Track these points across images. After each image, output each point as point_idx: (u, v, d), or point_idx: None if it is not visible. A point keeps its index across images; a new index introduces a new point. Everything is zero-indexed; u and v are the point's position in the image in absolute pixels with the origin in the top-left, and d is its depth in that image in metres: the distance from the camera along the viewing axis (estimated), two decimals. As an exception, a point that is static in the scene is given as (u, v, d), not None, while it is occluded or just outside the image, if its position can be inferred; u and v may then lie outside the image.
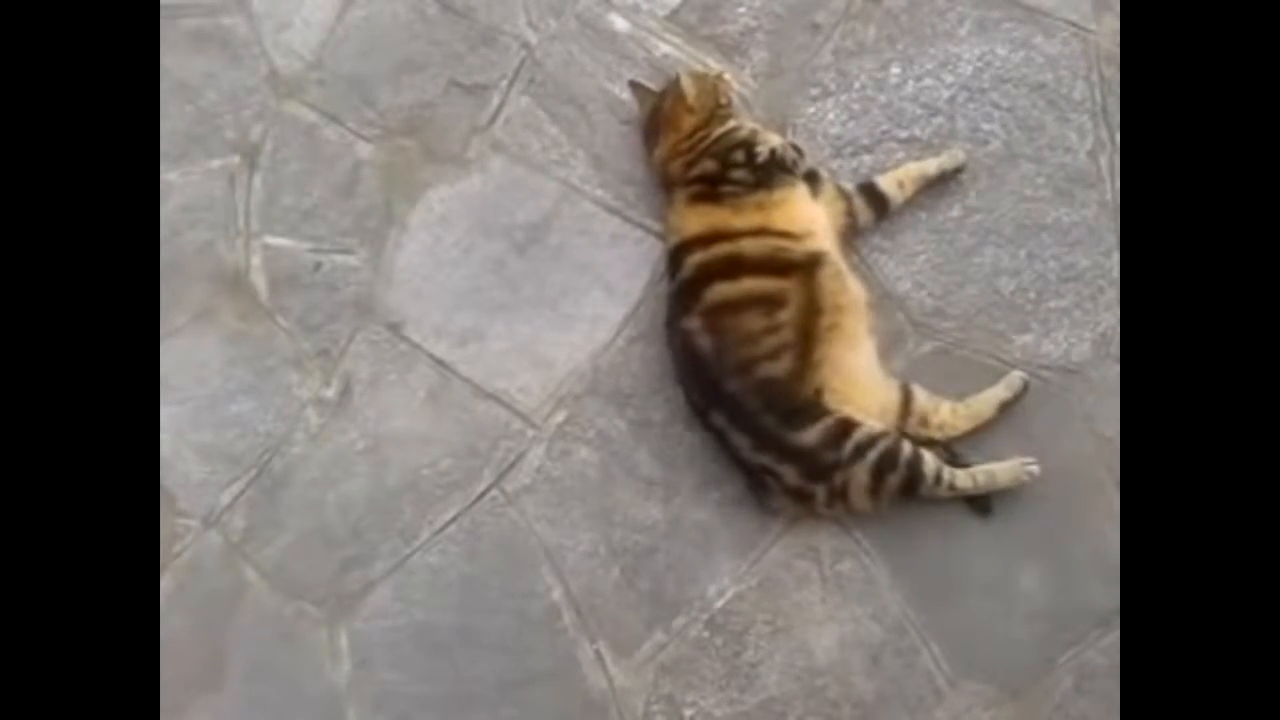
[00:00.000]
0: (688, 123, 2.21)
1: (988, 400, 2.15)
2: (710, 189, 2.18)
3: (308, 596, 2.24)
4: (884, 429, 2.10)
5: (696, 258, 2.16)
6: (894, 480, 2.08)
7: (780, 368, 2.10)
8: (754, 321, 2.12)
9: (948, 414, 2.14)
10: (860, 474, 2.07)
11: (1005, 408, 2.15)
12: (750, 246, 2.14)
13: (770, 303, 2.11)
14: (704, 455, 2.20)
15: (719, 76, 2.24)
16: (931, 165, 2.23)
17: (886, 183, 2.22)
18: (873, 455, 2.06)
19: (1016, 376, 2.16)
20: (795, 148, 2.20)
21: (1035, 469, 2.10)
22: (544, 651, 2.19)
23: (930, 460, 2.09)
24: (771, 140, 2.19)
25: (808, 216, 2.17)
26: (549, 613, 2.20)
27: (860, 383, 2.12)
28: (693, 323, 2.14)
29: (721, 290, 2.13)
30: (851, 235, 2.22)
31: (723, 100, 2.22)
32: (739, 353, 2.12)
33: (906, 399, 2.13)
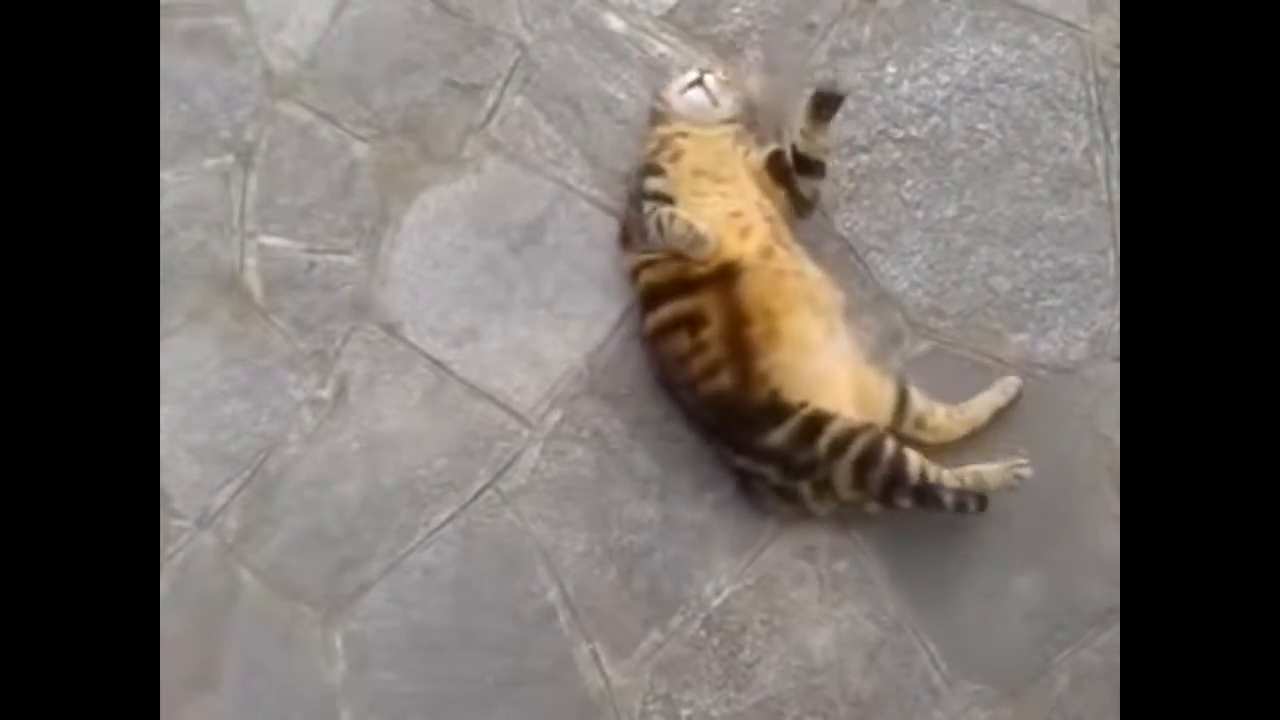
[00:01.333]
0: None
1: (983, 405, 2.14)
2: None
3: (303, 597, 2.23)
4: (864, 423, 2.07)
5: (639, 283, 2.18)
6: (877, 476, 2.06)
7: (721, 384, 2.09)
8: (681, 343, 2.11)
9: (943, 418, 2.13)
10: (842, 470, 2.06)
11: (1000, 413, 2.15)
12: (651, 276, 2.14)
13: (693, 322, 2.10)
14: (700, 455, 2.20)
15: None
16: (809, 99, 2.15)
17: (797, 141, 2.14)
18: (853, 452, 2.05)
19: (1011, 382, 2.15)
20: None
21: (1026, 471, 2.07)
22: (540, 652, 2.19)
23: (914, 459, 2.06)
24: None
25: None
26: (545, 613, 2.20)
27: (824, 383, 2.09)
28: (647, 348, 2.19)
29: (650, 321, 2.15)
30: (805, 212, 2.19)
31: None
32: (678, 374, 2.13)
33: (902, 400, 2.13)
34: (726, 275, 2.09)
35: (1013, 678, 2.12)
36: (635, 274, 2.18)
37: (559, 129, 2.32)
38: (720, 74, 2.24)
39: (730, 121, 2.23)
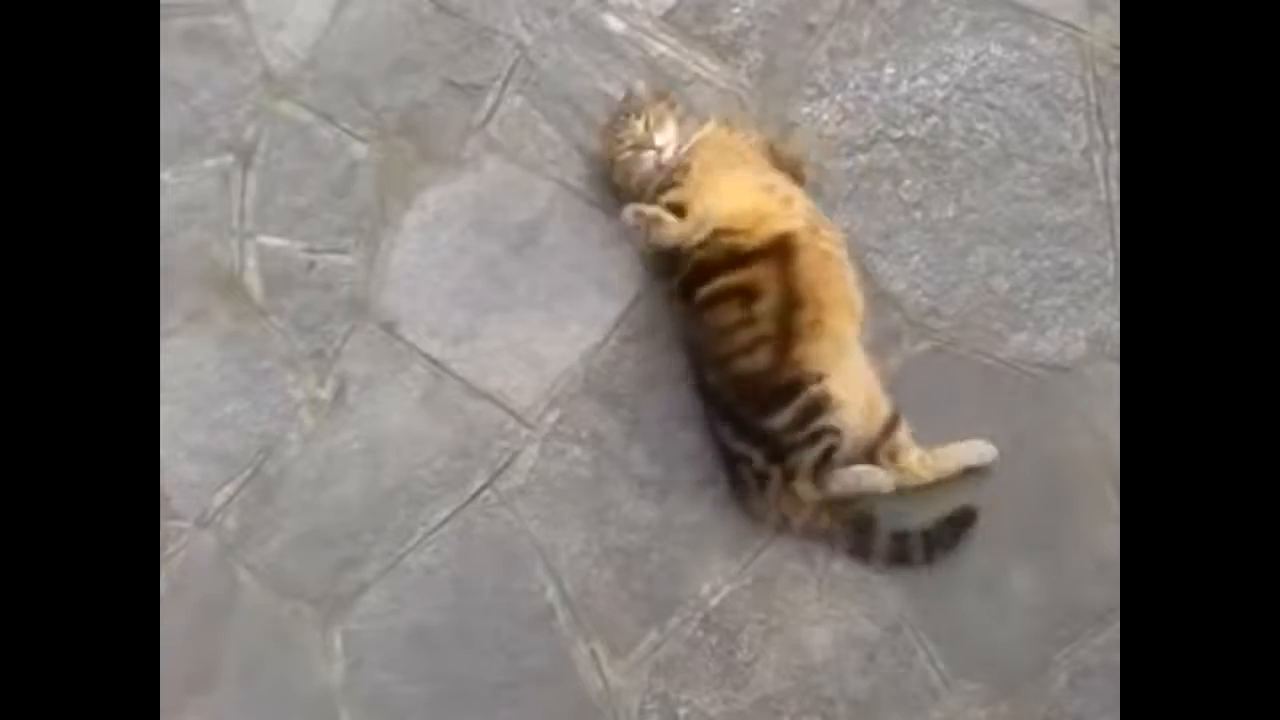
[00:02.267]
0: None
1: (955, 458, 2.14)
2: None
3: (302, 597, 2.23)
4: (849, 427, 2.09)
5: (690, 260, 2.15)
6: (829, 474, 2.10)
7: (755, 363, 2.09)
8: (731, 313, 2.10)
9: (915, 460, 2.13)
10: (809, 459, 2.08)
11: (969, 473, 2.14)
12: (702, 254, 2.13)
13: (747, 293, 2.09)
14: (698, 454, 2.20)
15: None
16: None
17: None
18: (822, 444, 2.08)
19: (988, 450, 2.14)
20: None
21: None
22: (538, 651, 2.19)
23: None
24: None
25: (743, 209, 2.12)
26: (543, 613, 2.20)
27: (849, 382, 2.10)
28: (689, 313, 2.17)
29: (703, 291, 2.13)
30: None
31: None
32: (717, 347, 2.12)
33: (892, 425, 2.13)
34: (782, 249, 2.09)
35: (1011, 676, 2.12)
36: (687, 254, 2.15)
37: (558, 129, 2.32)
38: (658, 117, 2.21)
39: (710, 120, 2.23)
